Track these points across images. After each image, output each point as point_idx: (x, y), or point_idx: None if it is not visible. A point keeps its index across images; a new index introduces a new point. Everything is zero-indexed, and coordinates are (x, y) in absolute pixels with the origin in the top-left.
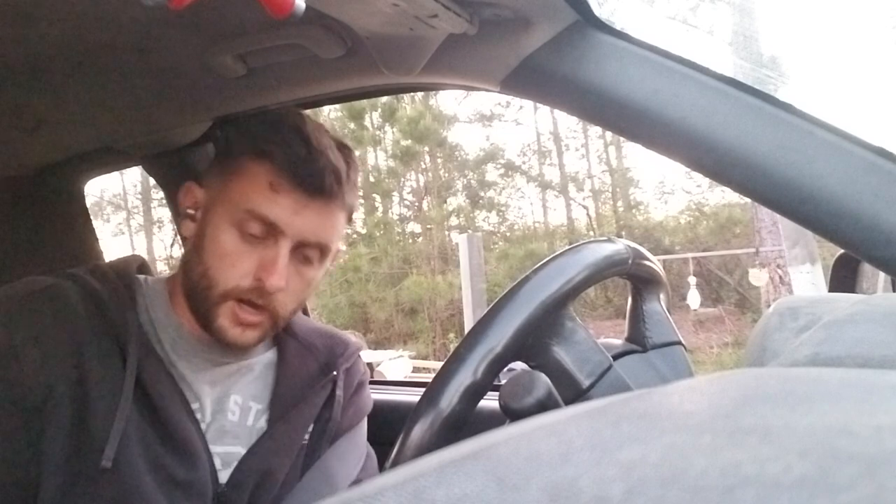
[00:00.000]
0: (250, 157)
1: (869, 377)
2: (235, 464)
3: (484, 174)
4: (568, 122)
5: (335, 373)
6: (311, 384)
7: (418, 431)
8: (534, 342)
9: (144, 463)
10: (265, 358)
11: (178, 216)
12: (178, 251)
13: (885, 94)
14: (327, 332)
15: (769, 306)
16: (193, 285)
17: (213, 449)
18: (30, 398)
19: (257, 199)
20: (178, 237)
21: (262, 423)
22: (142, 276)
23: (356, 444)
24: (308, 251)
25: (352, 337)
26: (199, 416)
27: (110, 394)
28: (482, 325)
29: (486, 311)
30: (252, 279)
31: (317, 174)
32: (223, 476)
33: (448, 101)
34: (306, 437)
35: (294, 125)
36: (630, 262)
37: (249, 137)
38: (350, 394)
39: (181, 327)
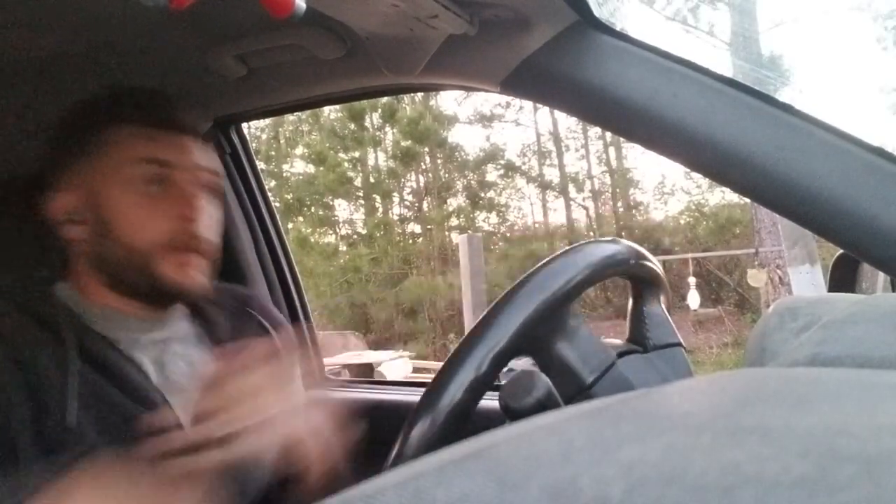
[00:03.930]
0: (107, 129)
1: (868, 377)
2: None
3: (484, 175)
4: (568, 123)
5: (252, 312)
6: (234, 332)
7: (421, 425)
8: (537, 338)
9: (108, 419)
10: (185, 324)
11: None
12: None
13: (884, 93)
14: (225, 288)
15: (769, 307)
16: (118, 265)
17: (171, 400)
18: None
19: (140, 150)
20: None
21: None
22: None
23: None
24: (205, 183)
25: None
26: (150, 376)
27: (57, 369)
28: (486, 321)
29: (490, 308)
30: (177, 225)
31: (173, 115)
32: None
33: (448, 101)
34: None
35: (128, 88)
36: (630, 262)
37: (95, 116)
38: (272, 320)
39: (105, 308)
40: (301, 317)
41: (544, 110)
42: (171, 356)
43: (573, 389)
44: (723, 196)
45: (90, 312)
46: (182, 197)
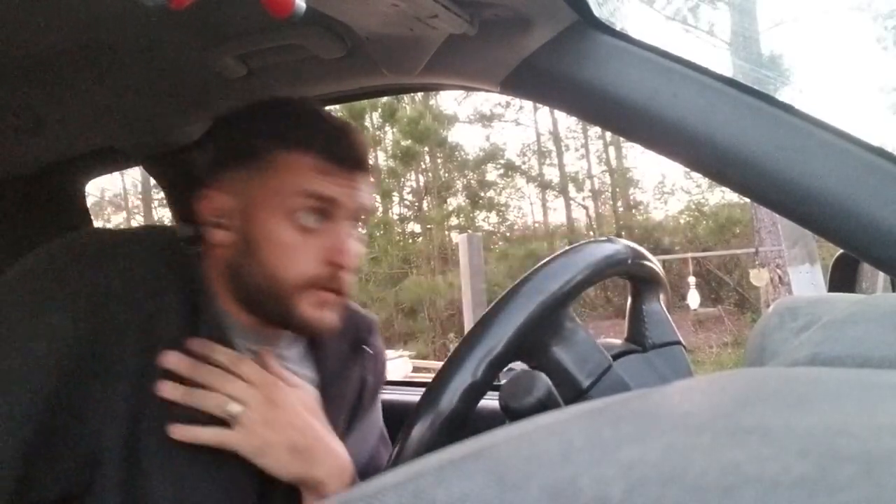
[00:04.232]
0: (282, 150)
1: (868, 377)
2: None
3: (484, 174)
4: (567, 123)
5: (366, 349)
6: (346, 363)
7: (418, 431)
8: (533, 342)
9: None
10: (297, 344)
11: (181, 220)
12: None
13: (884, 93)
14: (351, 314)
15: (769, 306)
16: (254, 287)
17: None
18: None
19: (309, 183)
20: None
21: None
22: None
23: (375, 422)
24: (355, 224)
25: (366, 311)
26: None
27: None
28: (482, 326)
29: (486, 311)
30: (324, 265)
31: (353, 150)
32: None
33: (448, 101)
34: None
35: (312, 110)
36: (629, 262)
37: (274, 132)
38: (377, 375)
39: (224, 312)
40: None
41: (544, 110)
42: None
43: (570, 394)
44: (723, 196)
45: (211, 307)
46: (338, 238)
